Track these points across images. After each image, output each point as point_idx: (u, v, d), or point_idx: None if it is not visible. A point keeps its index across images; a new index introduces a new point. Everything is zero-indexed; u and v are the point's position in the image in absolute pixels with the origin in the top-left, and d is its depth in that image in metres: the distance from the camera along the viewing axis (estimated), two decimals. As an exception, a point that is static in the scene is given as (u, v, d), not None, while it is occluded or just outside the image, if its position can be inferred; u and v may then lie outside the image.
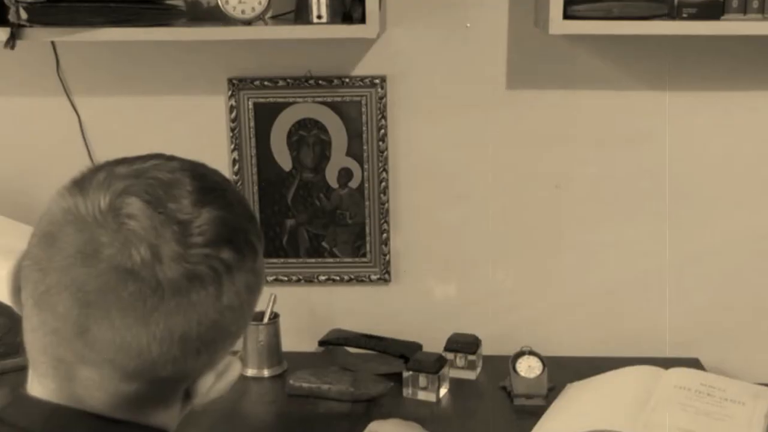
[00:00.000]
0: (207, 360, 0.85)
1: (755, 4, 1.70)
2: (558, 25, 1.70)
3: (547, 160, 2.01)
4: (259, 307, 1.92)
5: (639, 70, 1.95)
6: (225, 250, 0.81)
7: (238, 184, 2.02)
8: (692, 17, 1.70)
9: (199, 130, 2.02)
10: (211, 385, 0.88)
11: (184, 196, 0.81)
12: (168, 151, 0.88)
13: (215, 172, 0.88)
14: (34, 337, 0.83)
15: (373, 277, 2.08)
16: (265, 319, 1.98)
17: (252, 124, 2.01)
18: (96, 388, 0.82)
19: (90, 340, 0.79)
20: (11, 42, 1.73)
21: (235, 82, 1.98)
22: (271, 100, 1.99)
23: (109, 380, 0.81)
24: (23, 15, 1.74)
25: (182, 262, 0.79)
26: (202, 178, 0.84)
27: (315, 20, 1.75)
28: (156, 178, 0.82)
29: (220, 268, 0.81)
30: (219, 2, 1.75)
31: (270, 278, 2.07)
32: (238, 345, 2.09)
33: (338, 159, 2.02)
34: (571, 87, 1.96)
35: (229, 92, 1.99)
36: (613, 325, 2.08)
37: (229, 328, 0.84)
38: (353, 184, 2.03)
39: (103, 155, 0.87)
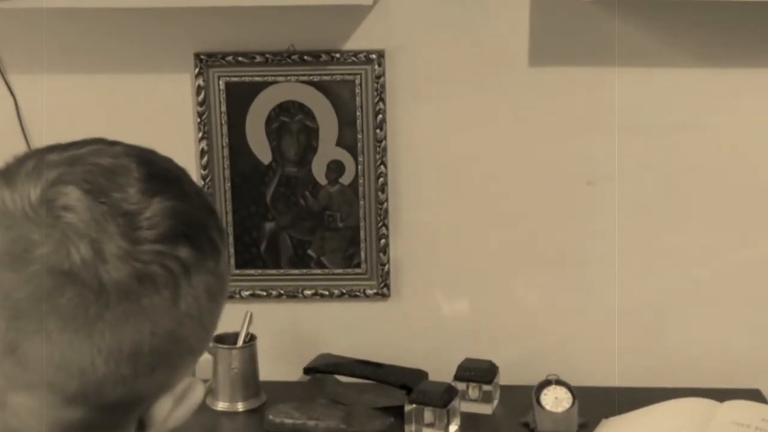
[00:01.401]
0: (163, 380, 0.84)
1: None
2: (590, -12, 1.71)
3: (577, 151, 2.01)
4: (232, 327, 1.95)
5: (689, 44, 1.95)
6: (181, 246, 0.81)
7: (207, 179, 2.02)
8: (753, -22, 1.71)
9: (161, 115, 2.02)
10: (169, 412, 0.87)
11: (131, 184, 0.81)
12: (124, 141, 0.87)
13: (167, 160, 0.88)
14: None
15: (369, 291, 2.09)
16: (240, 342, 1.98)
17: (224, 108, 2.01)
18: (31, 417, 0.82)
19: (22, 359, 0.79)
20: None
21: (203, 57, 1.99)
22: (247, 79, 2.00)
23: (46, 407, 0.81)
24: (-53, -24, 1.74)
25: (130, 261, 0.78)
26: (150, 164, 0.85)
27: (299, -17, 1.76)
28: (96, 164, 0.82)
29: (175, 268, 0.81)
30: (184, -39, 1.76)
31: (245, 293, 2.08)
32: (207, 373, 2.07)
33: (327, 150, 2.02)
34: (607, 64, 1.96)
35: (197, 70, 1.99)
36: (656, 349, 2.08)
37: (188, 340, 0.84)
38: (345, 179, 2.03)
39: (45, 145, 0.87)
